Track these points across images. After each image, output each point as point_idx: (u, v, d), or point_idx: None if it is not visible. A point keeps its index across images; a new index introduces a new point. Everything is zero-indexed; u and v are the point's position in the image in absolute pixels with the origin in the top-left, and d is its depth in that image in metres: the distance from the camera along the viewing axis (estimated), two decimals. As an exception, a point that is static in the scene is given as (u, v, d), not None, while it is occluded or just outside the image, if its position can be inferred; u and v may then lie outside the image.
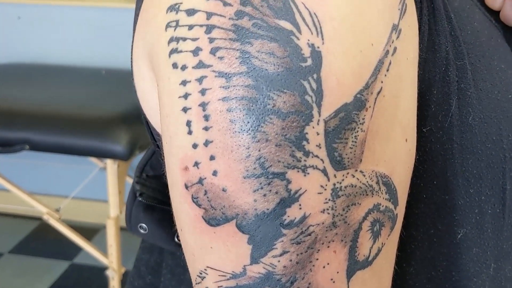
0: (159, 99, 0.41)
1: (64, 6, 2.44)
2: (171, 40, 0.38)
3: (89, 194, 2.53)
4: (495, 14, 0.53)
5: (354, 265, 0.38)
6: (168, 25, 0.39)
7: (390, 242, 0.40)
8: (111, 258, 1.90)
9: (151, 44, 0.42)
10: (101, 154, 1.86)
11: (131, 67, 0.48)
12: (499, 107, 0.47)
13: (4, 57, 2.46)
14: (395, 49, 0.38)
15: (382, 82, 0.38)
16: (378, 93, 0.38)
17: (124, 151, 1.80)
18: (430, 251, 0.47)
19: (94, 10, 2.42)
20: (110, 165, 1.87)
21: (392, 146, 0.39)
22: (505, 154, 0.47)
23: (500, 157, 0.47)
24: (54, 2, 2.44)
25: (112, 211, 1.88)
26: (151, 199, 0.66)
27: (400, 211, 0.41)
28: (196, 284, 0.40)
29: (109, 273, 1.92)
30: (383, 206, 0.39)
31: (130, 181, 2.19)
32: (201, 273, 0.39)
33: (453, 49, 0.45)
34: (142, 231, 0.66)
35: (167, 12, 0.39)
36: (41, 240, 2.57)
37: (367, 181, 0.38)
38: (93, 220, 2.59)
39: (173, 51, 0.38)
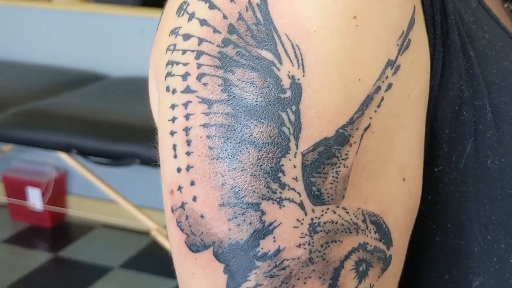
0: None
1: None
2: (168, 63, 0.39)
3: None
4: None
5: None
6: (168, 48, 0.40)
7: (383, 284, 0.38)
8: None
9: (156, 66, 0.43)
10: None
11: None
12: None
13: (126, 70, 2.57)
14: (389, 85, 0.37)
15: (370, 118, 0.36)
16: (366, 129, 0.36)
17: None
18: None
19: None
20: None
21: (384, 185, 0.37)
22: None
23: None
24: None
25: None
26: None
27: (396, 253, 0.39)
28: None
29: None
30: (371, 245, 0.37)
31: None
32: None
33: (470, 88, 0.42)
34: None
35: (169, 35, 0.40)
36: (151, 256, 2.59)
37: (351, 219, 0.36)
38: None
39: (168, 75, 0.39)
